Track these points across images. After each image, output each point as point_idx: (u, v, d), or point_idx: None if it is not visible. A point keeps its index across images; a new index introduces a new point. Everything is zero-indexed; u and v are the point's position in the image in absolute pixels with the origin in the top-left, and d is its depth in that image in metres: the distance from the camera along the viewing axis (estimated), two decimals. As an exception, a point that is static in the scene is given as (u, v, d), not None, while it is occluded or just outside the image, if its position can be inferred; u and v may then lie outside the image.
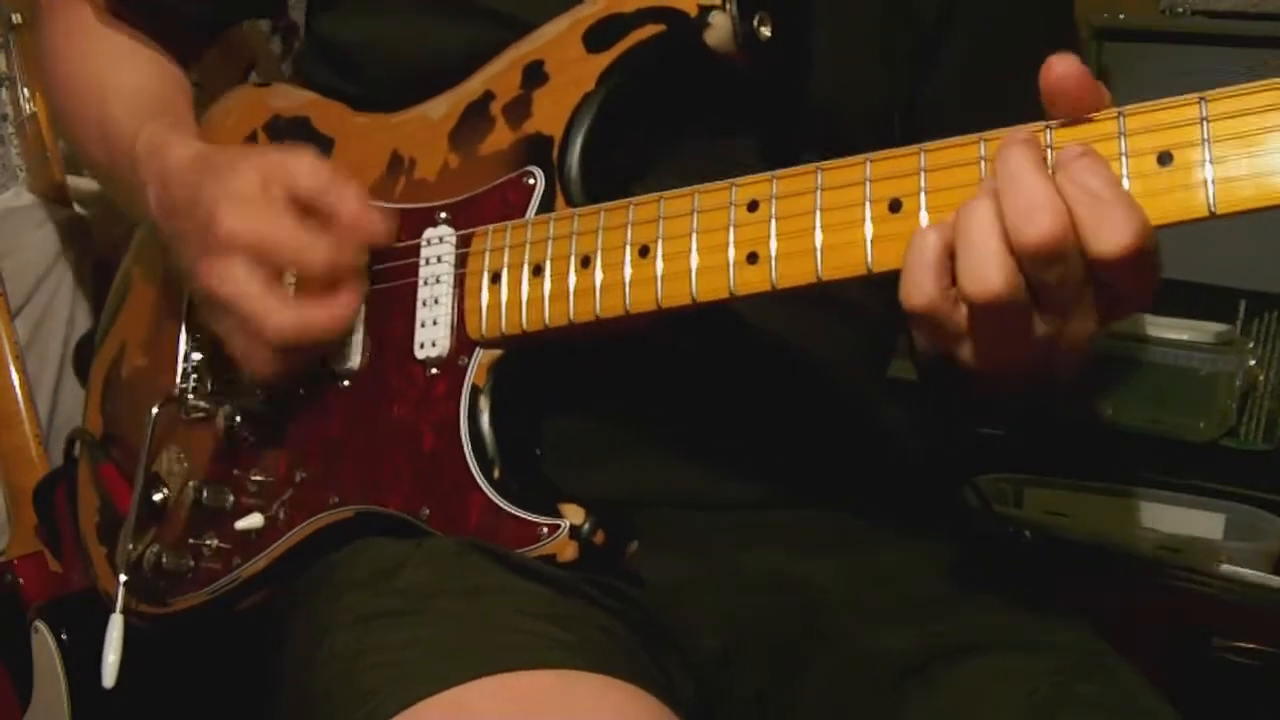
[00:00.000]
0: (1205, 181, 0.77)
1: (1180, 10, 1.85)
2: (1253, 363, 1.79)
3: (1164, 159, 0.78)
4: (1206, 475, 1.81)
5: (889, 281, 0.86)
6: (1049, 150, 0.81)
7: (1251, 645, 1.62)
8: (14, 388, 1.82)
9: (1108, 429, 1.85)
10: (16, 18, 1.90)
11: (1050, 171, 0.79)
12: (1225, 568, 1.65)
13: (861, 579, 1.10)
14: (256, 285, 1.03)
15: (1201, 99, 0.78)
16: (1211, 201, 0.77)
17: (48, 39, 1.36)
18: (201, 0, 1.32)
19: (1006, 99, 0.86)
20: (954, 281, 0.81)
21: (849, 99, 1.10)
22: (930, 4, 1.13)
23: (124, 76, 1.27)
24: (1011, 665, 1.01)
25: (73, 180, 1.95)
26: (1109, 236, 0.77)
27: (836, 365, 1.16)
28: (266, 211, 1.03)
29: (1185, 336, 1.81)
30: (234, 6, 1.38)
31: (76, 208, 1.97)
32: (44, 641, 1.56)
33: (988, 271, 0.79)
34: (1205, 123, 0.77)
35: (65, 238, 1.94)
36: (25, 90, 1.91)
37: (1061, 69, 0.79)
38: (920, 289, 0.82)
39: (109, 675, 1.13)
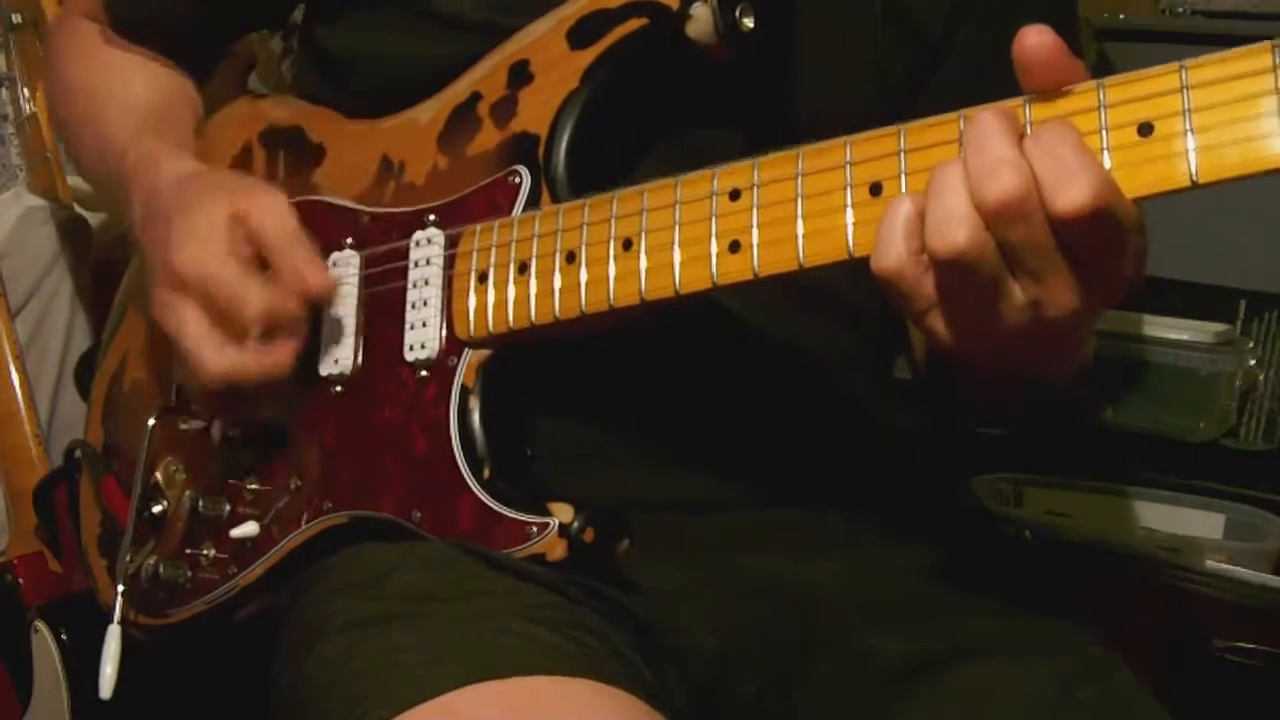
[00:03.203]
0: (1186, 151, 0.76)
1: (1180, 10, 1.85)
2: (1253, 363, 1.79)
3: (1144, 130, 0.77)
4: (1206, 475, 1.80)
5: None
6: (1027, 125, 0.81)
7: (1251, 645, 1.61)
8: (14, 388, 1.83)
9: (1108, 429, 1.85)
10: (16, 18, 1.91)
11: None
12: (1225, 568, 1.65)
13: (860, 581, 1.10)
14: (199, 326, 1.06)
15: (1182, 67, 0.77)
16: (1194, 170, 0.76)
17: (54, 53, 1.37)
18: (207, 17, 1.32)
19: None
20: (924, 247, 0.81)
21: (836, 95, 1.09)
22: (934, 15, 1.13)
23: (122, 88, 1.27)
24: (1011, 670, 1.01)
25: (73, 180, 1.95)
26: (1067, 194, 0.76)
27: (834, 367, 1.16)
28: (219, 252, 1.06)
29: (1185, 336, 1.81)
30: (238, 22, 1.39)
31: (76, 208, 1.98)
32: (44, 641, 1.57)
33: (952, 227, 0.79)
34: (1186, 91, 0.76)
35: (65, 238, 1.95)
36: (25, 90, 1.92)
37: (1034, 39, 0.79)
38: (889, 250, 0.82)
39: (106, 687, 1.14)
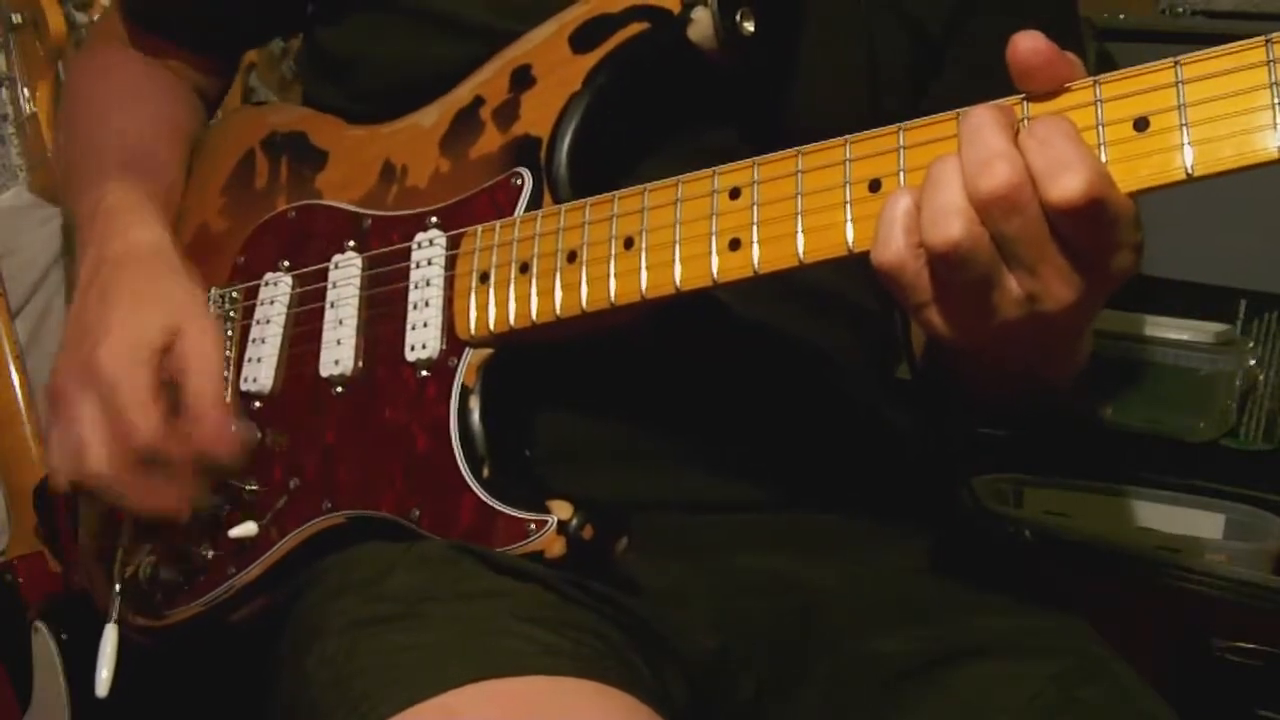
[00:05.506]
0: (1182, 145, 0.77)
1: (1180, 10, 1.85)
2: (1253, 363, 1.79)
3: (1140, 125, 0.78)
4: (1206, 475, 1.81)
5: None
6: (1025, 121, 0.81)
7: (1251, 645, 1.62)
8: (14, 388, 1.83)
9: (1108, 429, 1.85)
10: (16, 18, 1.90)
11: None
12: (1225, 568, 1.65)
13: (861, 581, 1.10)
14: (92, 428, 1.05)
15: (1176, 63, 0.78)
16: (1189, 164, 0.77)
17: (65, 86, 1.37)
18: (230, 24, 1.33)
19: None
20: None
21: (838, 97, 1.10)
22: (935, 15, 1.13)
23: (113, 120, 1.27)
24: (1012, 669, 1.01)
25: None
26: (1060, 185, 0.77)
27: (835, 367, 1.16)
28: (139, 370, 1.05)
29: (1185, 336, 1.81)
30: (263, 28, 1.41)
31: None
32: (44, 641, 1.57)
33: (947, 219, 0.79)
34: (1181, 86, 0.77)
35: (65, 238, 1.94)
36: (25, 90, 1.91)
37: (1028, 44, 0.80)
38: (888, 244, 0.82)
39: (102, 688, 1.13)
